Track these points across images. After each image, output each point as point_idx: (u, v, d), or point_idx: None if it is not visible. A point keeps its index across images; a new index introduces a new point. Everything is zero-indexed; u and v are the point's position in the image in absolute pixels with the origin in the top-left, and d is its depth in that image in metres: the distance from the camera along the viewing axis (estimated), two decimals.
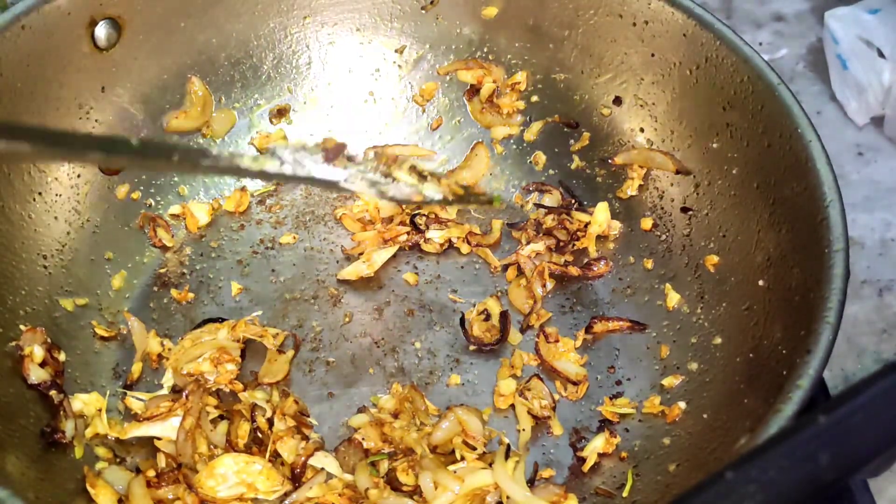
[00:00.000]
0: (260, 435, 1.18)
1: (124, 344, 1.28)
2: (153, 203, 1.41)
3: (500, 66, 1.46)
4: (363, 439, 1.18)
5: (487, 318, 1.32)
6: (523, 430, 1.21)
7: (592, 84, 1.42)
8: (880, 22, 1.59)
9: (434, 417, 1.21)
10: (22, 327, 1.20)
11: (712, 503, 0.65)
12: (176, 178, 1.43)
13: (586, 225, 1.38)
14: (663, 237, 1.36)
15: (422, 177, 1.01)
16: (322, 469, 1.16)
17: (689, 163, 1.33)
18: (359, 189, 0.98)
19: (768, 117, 1.20)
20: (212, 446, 1.17)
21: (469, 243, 1.40)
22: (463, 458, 1.15)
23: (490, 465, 1.14)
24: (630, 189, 1.39)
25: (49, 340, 1.21)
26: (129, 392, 1.22)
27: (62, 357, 1.22)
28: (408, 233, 1.39)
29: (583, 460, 1.19)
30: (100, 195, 1.36)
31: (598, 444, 1.19)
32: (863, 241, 1.51)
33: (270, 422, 1.18)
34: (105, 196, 1.36)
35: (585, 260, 1.38)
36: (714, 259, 1.28)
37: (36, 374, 1.17)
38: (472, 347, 1.30)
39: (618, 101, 1.40)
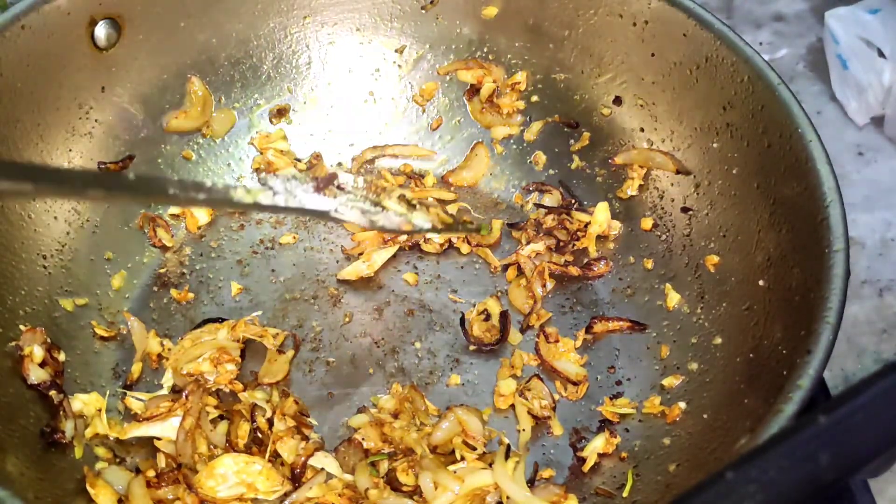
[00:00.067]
0: (260, 435, 1.18)
1: (124, 344, 1.28)
2: (153, 203, 1.41)
3: (500, 66, 1.46)
4: (363, 439, 1.18)
5: (487, 318, 1.32)
6: (523, 430, 1.21)
7: (592, 84, 1.42)
8: (880, 22, 1.59)
9: (434, 417, 1.21)
10: (22, 327, 1.20)
11: (712, 503, 0.65)
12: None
13: (586, 225, 1.38)
14: (663, 237, 1.35)
15: (411, 205, 1.03)
16: (322, 469, 1.16)
17: (689, 163, 1.33)
18: (349, 218, 1.03)
19: (768, 117, 1.20)
20: (212, 446, 1.17)
21: (469, 243, 1.40)
22: (463, 459, 1.15)
23: (490, 465, 1.14)
24: (630, 189, 1.39)
25: (49, 340, 1.21)
26: (128, 392, 1.22)
27: (62, 357, 1.22)
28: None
29: (583, 460, 1.18)
30: None
31: (598, 445, 1.19)
32: (863, 241, 1.51)
33: (270, 422, 1.18)
34: None
35: (585, 260, 1.38)
36: (714, 259, 1.28)
37: (36, 374, 1.17)
38: (472, 347, 1.30)
39: (618, 101, 1.40)
